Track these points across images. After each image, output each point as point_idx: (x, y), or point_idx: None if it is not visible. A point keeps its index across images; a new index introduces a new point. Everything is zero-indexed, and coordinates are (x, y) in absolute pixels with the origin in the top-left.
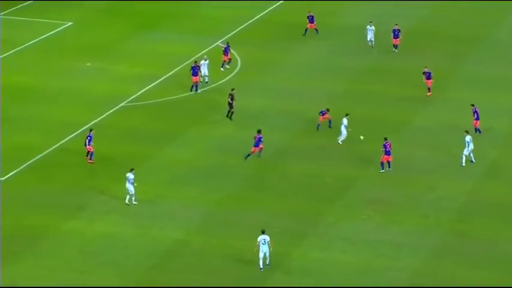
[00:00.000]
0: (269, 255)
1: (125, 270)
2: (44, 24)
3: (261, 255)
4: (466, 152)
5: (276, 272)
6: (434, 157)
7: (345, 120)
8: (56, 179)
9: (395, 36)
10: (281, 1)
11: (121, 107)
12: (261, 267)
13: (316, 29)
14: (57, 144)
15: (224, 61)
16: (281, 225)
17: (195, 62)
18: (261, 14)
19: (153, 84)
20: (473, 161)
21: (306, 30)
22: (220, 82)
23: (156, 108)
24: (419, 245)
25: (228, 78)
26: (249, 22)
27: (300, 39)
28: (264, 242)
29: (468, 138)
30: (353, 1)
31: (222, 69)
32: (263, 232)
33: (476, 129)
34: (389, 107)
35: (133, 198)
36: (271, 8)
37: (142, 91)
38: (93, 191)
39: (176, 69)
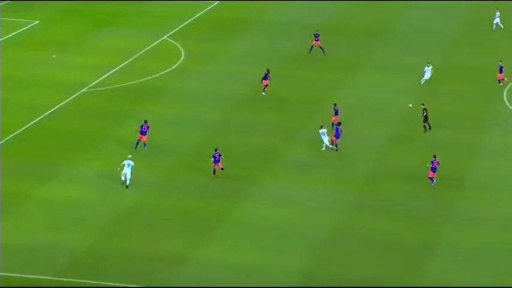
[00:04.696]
0: None
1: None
2: (14, 23)
3: None
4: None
5: None
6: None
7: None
8: (28, 152)
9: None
10: (218, 1)
11: (83, 92)
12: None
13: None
14: (30, 124)
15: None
16: None
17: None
18: (202, 12)
19: (109, 73)
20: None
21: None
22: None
23: (114, 93)
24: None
25: (172, 68)
26: (192, 19)
27: (235, 33)
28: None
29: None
30: (275, 1)
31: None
32: None
33: (333, 124)
34: (313, 87)
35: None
36: (210, 6)
37: (100, 78)
38: (60, 163)
39: (129, 60)
